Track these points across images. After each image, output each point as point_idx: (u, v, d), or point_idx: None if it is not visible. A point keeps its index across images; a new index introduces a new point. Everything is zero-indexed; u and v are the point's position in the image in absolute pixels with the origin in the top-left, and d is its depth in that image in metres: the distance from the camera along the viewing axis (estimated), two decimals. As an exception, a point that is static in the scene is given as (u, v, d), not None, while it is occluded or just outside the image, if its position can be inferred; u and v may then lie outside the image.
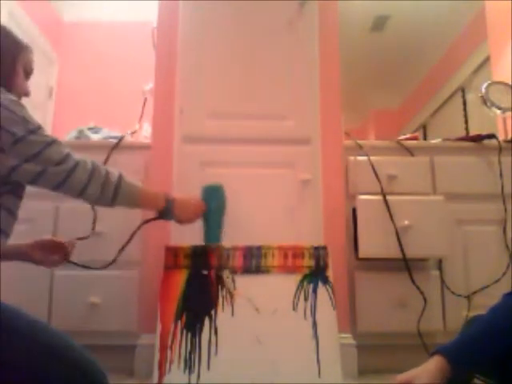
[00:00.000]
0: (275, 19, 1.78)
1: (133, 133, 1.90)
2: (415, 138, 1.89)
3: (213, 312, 1.42)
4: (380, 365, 1.58)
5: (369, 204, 1.64)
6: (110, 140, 1.78)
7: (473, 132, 2.49)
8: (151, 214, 1.24)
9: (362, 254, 1.60)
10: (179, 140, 1.68)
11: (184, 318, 1.40)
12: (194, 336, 1.38)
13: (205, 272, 1.46)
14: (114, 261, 1.35)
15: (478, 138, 1.80)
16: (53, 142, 0.93)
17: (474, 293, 1.64)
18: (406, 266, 1.59)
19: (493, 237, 1.71)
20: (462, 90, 3.67)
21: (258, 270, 1.48)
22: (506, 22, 2.42)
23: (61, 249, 1.21)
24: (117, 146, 1.69)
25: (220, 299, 1.43)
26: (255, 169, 1.67)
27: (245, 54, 1.75)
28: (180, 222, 1.26)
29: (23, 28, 2.75)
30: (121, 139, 1.72)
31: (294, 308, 1.44)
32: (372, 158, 1.72)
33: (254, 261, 1.49)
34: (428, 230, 1.60)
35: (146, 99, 2.07)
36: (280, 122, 1.71)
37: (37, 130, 0.92)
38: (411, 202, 1.64)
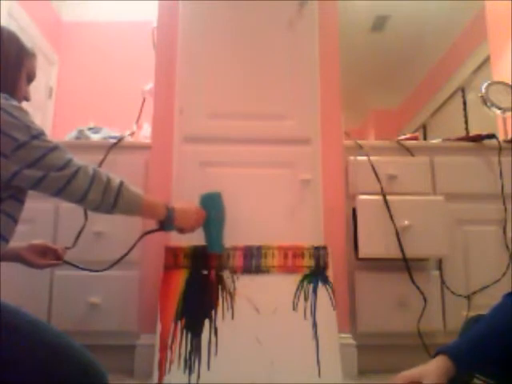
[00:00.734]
0: (275, 19, 1.78)
1: (130, 134, 1.90)
2: (415, 138, 1.89)
3: (213, 312, 1.42)
4: (380, 365, 1.58)
5: (369, 204, 1.64)
6: (110, 140, 1.78)
7: (473, 132, 2.49)
8: (152, 222, 1.23)
9: (362, 254, 1.60)
10: (179, 140, 1.68)
11: (184, 318, 1.40)
12: (194, 336, 1.38)
13: (205, 272, 1.46)
14: (111, 266, 1.35)
15: (478, 138, 1.80)
16: (55, 148, 0.93)
17: (474, 293, 1.64)
18: (406, 266, 1.59)
19: (493, 237, 1.71)
20: (462, 90, 3.67)
21: (258, 269, 1.48)
22: (506, 22, 2.42)
23: (52, 253, 1.22)
24: (115, 146, 1.69)
25: (220, 299, 1.43)
26: (255, 169, 1.67)
27: (245, 54, 1.75)
28: (181, 231, 1.27)
29: (23, 28, 2.75)
30: (118, 142, 1.72)
31: (294, 308, 1.44)
32: (372, 158, 1.72)
33: (253, 261, 1.49)
34: (428, 230, 1.60)
35: (144, 99, 2.07)
36: (280, 122, 1.71)
37: (39, 135, 0.92)
38: (411, 202, 1.64)
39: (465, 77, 3.55)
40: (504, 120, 2.09)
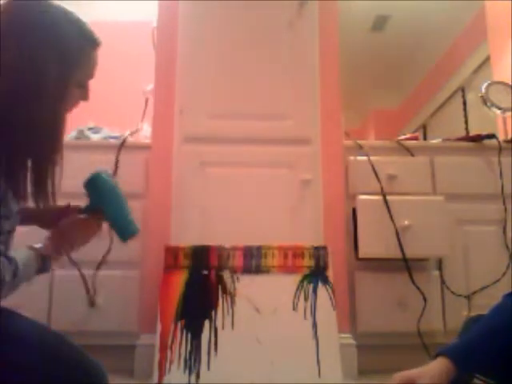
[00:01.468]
0: (275, 19, 1.78)
1: (134, 132, 1.90)
2: (415, 138, 1.89)
3: (213, 312, 1.42)
4: (380, 365, 1.58)
5: (369, 204, 1.64)
6: (110, 140, 1.78)
7: (473, 132, 2.49)
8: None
9: (362, 254, 1.60)
10: (179, 140, 1.68)
11: (184, 318, 1.40)
12: (193, 336, 1.38)
13: (205, 272, 1.46)
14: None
15: (478, 138, 1.80)
16: None
17: (474, 293, 1.64)
18: (406, 266, 1.59)
19: (493, 237, 1.71)
20: (462, 90, 3.67)
21: (258, 269, 1.48)
22: (506, 22, 2.42)
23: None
24: (119, 146, 1.69)
25: (220, 299, 1.43)
26: (255, 169, 1.66)
27: (245, 54, 1.75)
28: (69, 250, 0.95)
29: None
30: (125, 139, 1.72)
31: (294, 308, 1.44)
32: (372, 158, 1.72)
33: (253, 261, 1.49)
34: (428, 230, 1.60)
35: (147, 99, 2.07)
36: (280, 122, 1.71)
37: None
38: (411, 202, 1.64)
39: (465, 77, 3.55)
40: (504, 120, 2.09)
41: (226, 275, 1.46)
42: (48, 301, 1.60)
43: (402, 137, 1.89)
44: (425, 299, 1.60)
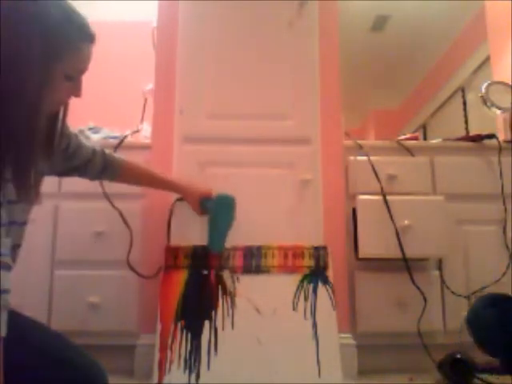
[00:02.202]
0: (275, 19, 1.78)
1: (135, 132, 1.90)
2: (415, 138, 1.89)
3: (213, 312, 1.42)
4: (380, 365, 1.58)
5: (369, 204, 1.64)
6: (110, 140, 1.78)
7: (473, 132, 2.49)
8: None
9: (361, 254, 1.60)
10: (179, 140, 1.68)
11: (184, 318, 1.40)
12: (194, 336, 1.38)
13: (205, 272, 1.46)
14: None
15: (478, 138, 1.80)
16: None
17: (474, 293, 1.64)
18: (406, 266, 1.59)
19: (493, 237, 1.71)
20: (462, 90, 3.67)
21: (258, 270, 1.48)
22: (506, 22, 2.42)
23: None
24: (118, 145, 1.69)
25: (220, 299, 1.43)
26: (255, 169, 1.66)
27: (245, 54, 1.75)
28: None
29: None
30: (123, 138, 1.72)
31: (294, 308, 1.44)
32: (372, 158, 1.72)
33: (253, 261, 1.49)
34: (428, 230, 1.60)
35: (146, 100, 2.07)
36: (280, 122, 1.71)
37: None
38: (411, 201, 1.64)
39: (465, 77, 3.55)
40: (504, 120, 2.09)
41: (226, 275, 1.46)
42: (48, 301, 1.60)
43: (402, 137, 1.88)
44: (425, 299, 1.60)
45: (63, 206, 1.65)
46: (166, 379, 1.32)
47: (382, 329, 1.62)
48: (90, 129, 1.88)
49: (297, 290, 1.46)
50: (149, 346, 1.46)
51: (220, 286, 1.45)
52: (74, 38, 0.80)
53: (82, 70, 0.85)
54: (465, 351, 1.45)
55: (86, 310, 1.58)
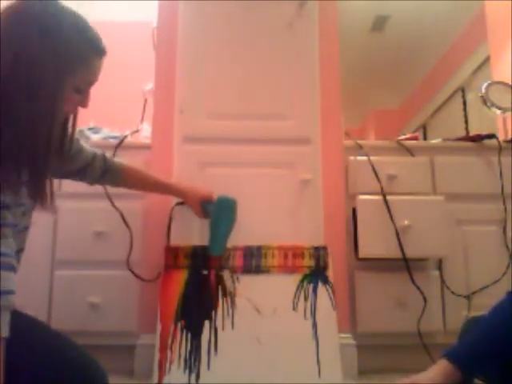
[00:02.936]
0: (275, 19, 1.78)
1: (135, 132, 1.90)
2: (415, 138, 1.89)
3: (213, 312, 1.42)
4: (380, 365, 1.58)
5: (369, 204, 1.64)
6: (110, 140, 1.78)
7: (473, 132, 2.49)
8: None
9: (361, 254, 1.60)
10: (179, 140, 1.68)
11: (184, 318, 1.40)
12: (193, 336, 1.38)
13: (205, 272, 1.46)
14: None
15: (478, 138, 1.80)
16: None
17: (474, 293, 1.64)
18: (406, 266, 1.59)
19: (493, 237, 1.71)
20: (462, 90, 3.67)
21: (258, 269, 1.48)
22: (506, 22, 2.42)
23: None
24: (118, 145, 1.69)
25: (220, 299, 1.43)
26: (255, 169, 1.66)
27: (245, 54, 1.75)
28: None
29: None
30: (123, 138, 1.72)
31: (294, 308, 1.44)
32: (372, 158, 1.72)
33: (253, 261, 1.49)
34: (428, 230, 1.60)
35: (146, 100, 2.07)
36: (280, 122, 1.71)
37: None
38: (411, 201, 1.64)
39: (465, 77, 3.55)
40: (504, 120, 2.09)
41: (226, 275, 1.46)
42: (48, 301, 1.60)
43: (402, 137, 1.88)
44: (425, 299, 1.60)
45: (63, 206, 1.65)
46: (166, 379, 1.32)
47: (382, 329, 1.62)
48: (90, 129, 1.88)
49: (297, 289, 1.46)
50: (149, 346, 1.46)
51: (220, 286, 1.45)
52: (86, 54, 0.83)
53: (91, 82, 0.88)
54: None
55: (86, 310, 1.58)
